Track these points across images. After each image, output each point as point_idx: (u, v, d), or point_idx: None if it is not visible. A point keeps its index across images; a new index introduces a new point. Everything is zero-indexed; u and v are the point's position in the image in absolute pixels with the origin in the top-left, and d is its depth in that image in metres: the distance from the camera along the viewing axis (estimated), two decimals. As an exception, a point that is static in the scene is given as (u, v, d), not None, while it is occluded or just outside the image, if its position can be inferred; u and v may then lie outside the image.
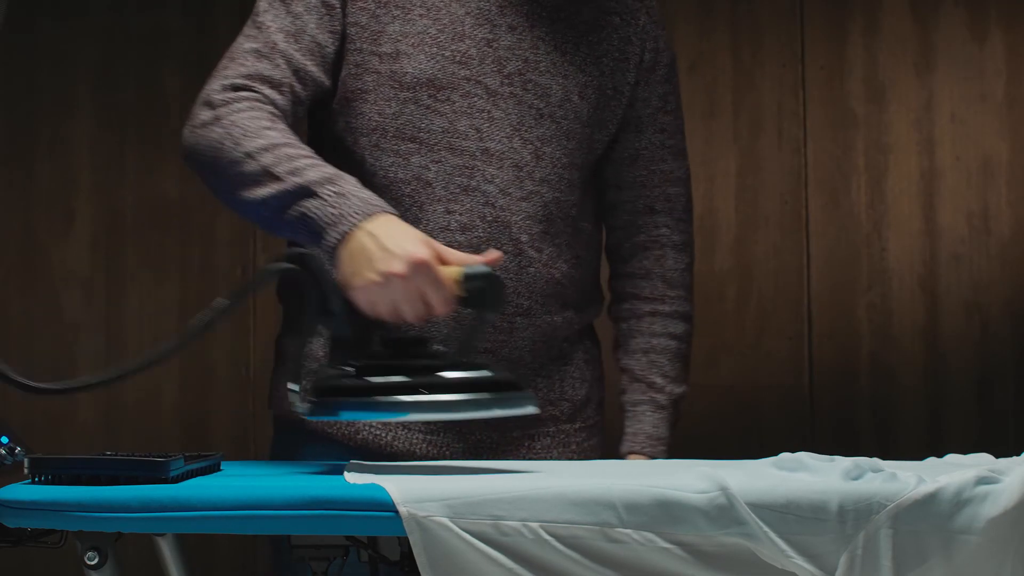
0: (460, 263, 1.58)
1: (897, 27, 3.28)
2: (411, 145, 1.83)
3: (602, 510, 1.31)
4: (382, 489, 1.33)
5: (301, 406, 1.53)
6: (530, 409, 1.55)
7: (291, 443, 1.91)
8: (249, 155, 1.67)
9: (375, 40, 1.83)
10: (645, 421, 1.93)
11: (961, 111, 3.25)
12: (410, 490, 1.33)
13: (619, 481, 1.35)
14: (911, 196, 3.20)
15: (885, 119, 3.27)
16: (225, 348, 3.37)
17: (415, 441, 1.82)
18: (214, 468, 1.57)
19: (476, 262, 1.58)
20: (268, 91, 1.76)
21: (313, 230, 1.63)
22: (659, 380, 1.95)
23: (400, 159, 1.82)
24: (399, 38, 1.83)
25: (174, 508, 1.34)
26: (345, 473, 1.49)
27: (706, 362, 3.11)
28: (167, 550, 1.66)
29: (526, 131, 1.86)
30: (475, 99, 1.84)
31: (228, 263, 3.38)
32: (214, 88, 1.77)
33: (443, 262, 1.58)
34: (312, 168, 1.66)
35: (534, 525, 1.31)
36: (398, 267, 1.55)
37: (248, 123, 1.70)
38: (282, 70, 1.79)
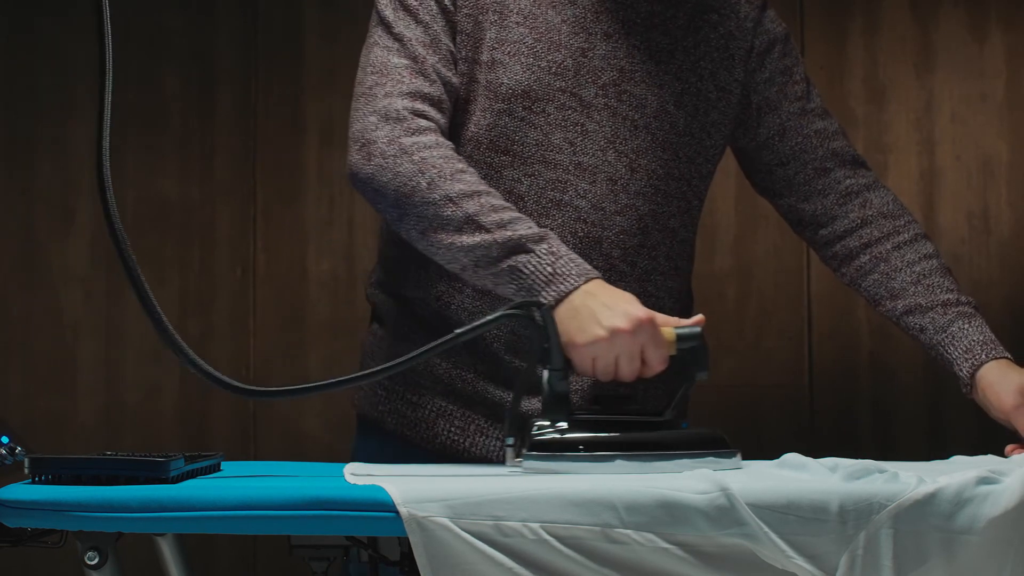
0: (668, 325, 1.63)
1: (897, 27, 3.28)
2: (504, 158, 1.81)
3: (603, 510, 1.31)
4: (382, 490, 1.33)
5: (514, 461, 1.55)
6: (737, 467, 1.56)
7: (371, 443, 1.90)
8: (450, 199, 1.67)
9: (476, 47, 1.81)
10: (968, 334, 1.81)
11: (961, 111, 3.25)
12: (410, 490, 1.33)
13: (620, 482, 1.35)
14: (911, 196, 3.20)
15: (885, 119, 3.27)
16: (225, 348, 3.37)
17: (492, 448, 1.82)
18: (214, 468, 1.57)
19: (686, 324, 1.63)
20: (435, 114, 1.76)
21: (525, 285, 1.65)
22: (949, 296, 1.85)
23: (492, 172, 1.80)
24: (495, 46, 1.80)
25: (174, 508, 1.34)
26: (345, 473, 1.49)
27: (706, 362, 3.10)
28: (167, 550, 1.66)
29: (621, 144, 1.83)
30: (569, 112, 1.81)
31: (228, 263, 3.38)
32: (384, 110, 1.74)
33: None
34: (520, 223, 1.67)
35: (535, 525, 1.31)
36: (624, 323, 1.59)
37: (443, 163, 1.70)
38: (437, 86, 1.78)
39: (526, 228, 1.66)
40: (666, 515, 1.31)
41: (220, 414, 3.35)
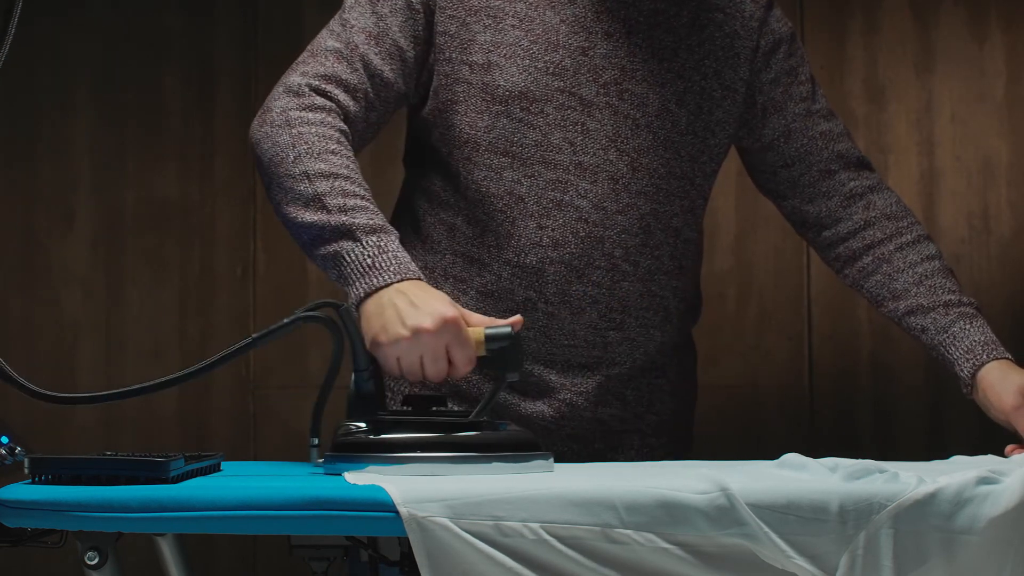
0: (482, 325, 1.60)
1: (897, 27, 3.28)
2: (504, 159, 1.80)
3: (603, 511, 1.31)
4: (382, 490, 1.33)
5: (316, 461, 1.54)
6: (549, 471, 1.53)
7: None
8: (307, 176, 1.68)
9: (465, 49, 1.80)
10: (969, 335, 1.81)
11: (961, 111, 3.25)
12: (410, 491, 1.33)
13: (620, 482, 1.35)
14: (911, 196, 3.20)
15: (885, 119, 3.27)
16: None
17: None
18: (214, 468, 1.57)
19: (499, 324, 1.60)
20: (343, 97, 1.77)
21: (343, 274, 1.65)
22: (951, 297, 1.85)
23: (492, 173, 1.80)
24: (491, 48, 1.80)
25: (174, 508, 1.34)
26: (345, 473, 1.49)
27: (706, 362, 3.10)
28: (167, 550, 1.66)
29: (622, 142, 1.82)
30: (569, 111, 1.81)
31: (228, 263, 3.38)
32: (291, 84, 1.77)
33: (467, 324, 1.60)
34: (362, 212, 1.67)
35: (535, 525, 1.31)
36: (427, 323, 1.57)
37: (316, 140, 1.71)
38: (359, 74, 1.79)
39: (365, 218, 1.66)
40: (666, 515, 1.31)
41: (220, 414, 3.35)
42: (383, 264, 1.63)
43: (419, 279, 1.64)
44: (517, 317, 1.62)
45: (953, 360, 1.80)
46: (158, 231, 3.38)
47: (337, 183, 1.68)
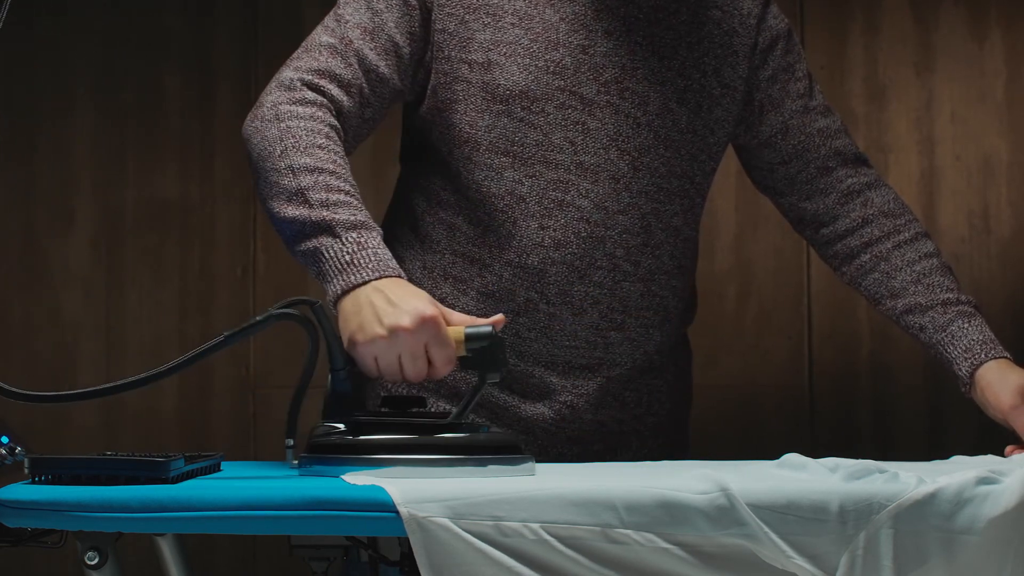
0: (463, 324, 1.57)
1: (897, 27, 3.28)
2: (504, 159, 1.79)
3: (603, 511, 1.31)
4: (382, 490, 1.33)
5: (292, 462, 1.52)
6: (530, 474, 1.49)
7: None
8: (292, 170, 1.66)
9: (464, 47, 1.79)
10: (968, 334, 1.80)
11: (961, 111, 3.24)
12: (410, 491, 1.33)
13: (620, 482, 1.35)
14: (911, 196, 3.20)
15: (885, 119, 3.27)
16: (225, 349, 3.36)
17: None
18: (214, 468, 1.57)
19: (480, 323, 1.57)
20: (336, 92, 1.75)
21: (322, 270, 1.62)
22: (949, 295, 1.84)
23: (493, 173, 1.79)
24: (490, 47, 1.79)
25: (174, 508, 1.34)
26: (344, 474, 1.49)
27: (706, 362, 3.10)
28: (167, 550, 1.66)
29: (623, 141, 1.82)
30: (569, 110, 1.80)
31: (228, 263, 3.38)
32: (284, 79, 1.76)
33: (448, 323, 1.57)
34: (344, 207, 1.64)
35: (535, 526, 1.31)
36: (405, 321, 1.54)
37: (303, 134, 1.69)
38: (353, 70, 1.77)
39: (347, 214, 1.63)
40: (666, 515, 1.31)
41: (220, 414, 3.35)
42: (361, 261, 1.60)
43: (399, 276, 1.61)
44: (499, 316, 1.60)
45: (951, 359, 1.80)
46: (158, 231, 3.38)
47: (321, 177, 1.66)
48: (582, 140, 1.80)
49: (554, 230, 1.79)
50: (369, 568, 1.50)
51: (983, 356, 1.78)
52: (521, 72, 1.78)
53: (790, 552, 1.31)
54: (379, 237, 1.64)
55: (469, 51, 1.79)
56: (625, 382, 1.87)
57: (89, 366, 3.34)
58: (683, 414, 1.99)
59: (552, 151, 1.79)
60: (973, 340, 1.79)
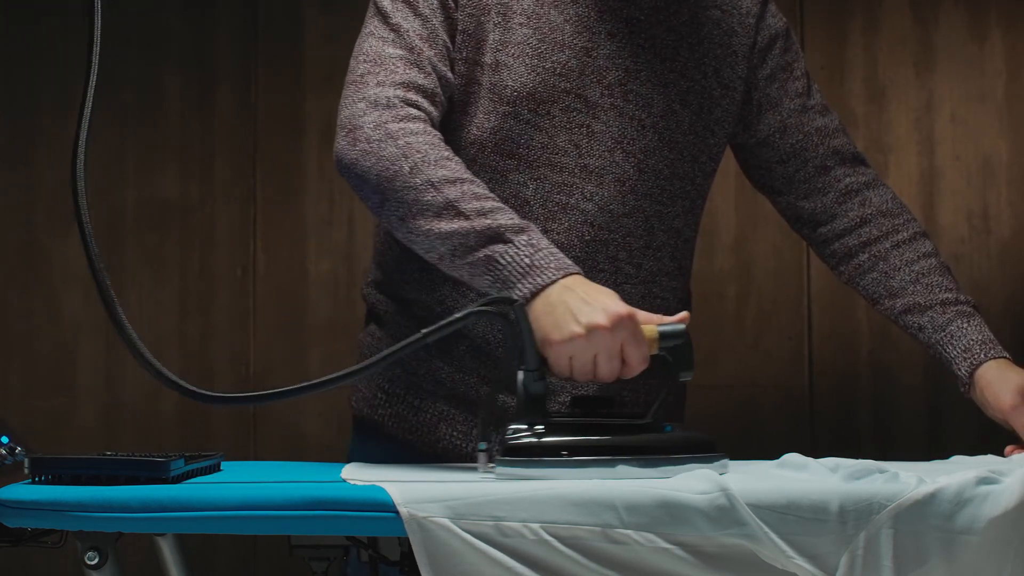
0: (651, 323, 1.55)
1: (897, 27, 3.28)
2: (510, 162, 1.78)
3: (603, 511, 1.31)
4: (382, 490, 1.33)
5: (487, 466, 1.48)
6: (724, 470, 1.48)
7: (370, 446, 1.86)
8: (432, 184, 1.62)
9: (478, 49, 1.78)
10: (967, 333, 1.80)
11: (961, 111, 3.25)
12: (410, 491, 1.33)
13: (620, 482, 1.35)
14: (911, 196, 3.20)
15: (885, 119, 3.27)
16: (225, 348, 3.37)
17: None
18: (214, 468, 1.57)
19: (669, 322, 1.55)
20: (427, 105, 1.71)
21: (501, 277, 1.58)
22: (948, 295, 1.84)
23: (498, 175, 1.77)
24: (499, 48, 1.77)
25: (174, 508, 1.34)
26: (344, 475, 1.49)
27: (706, 362, 3.11)
28: (167, 550, 1.66)
29: (628, 144, 1.81)
30: (575, 113, 1.78)
31: (228, 263, 3.38)
32: (374, 96, 1.70)
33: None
34: (501, 212, 1.61)
35: (535, 526, 1.31)
36: (603, 320, 1.51)
37: (427, 149, 1.65)
38: (432, 79, 1.73)
39: (507, 218, 1.60)
40: (666, 515, 1.31)
41: (220, 414, 3.35)
42: (542, 262, 1.57)
43: (580, 273, 1.59)
44: (685, 313, 1.58)
45: (951, 359, 1.80)
46: (158, 231, 3.38)
47: (465, 187, 1.62)
48: (587, 143, 1.79)
49: (557, 233, 1.78)
50: (369, 568, 1.50)
51: (982, 356, 1.78)
52: (529, 73, 1.78)
53: (790, 552, 1.31)
54: (543, 236, 1.62)
55: (481, 53, 1.78)
56: (623, 382, 1.87)
57: (89, 366, 3.34)
58: (679, 413, 1.99)
59: (557, 154, 1.79)
60: (972, 340, 1.79)
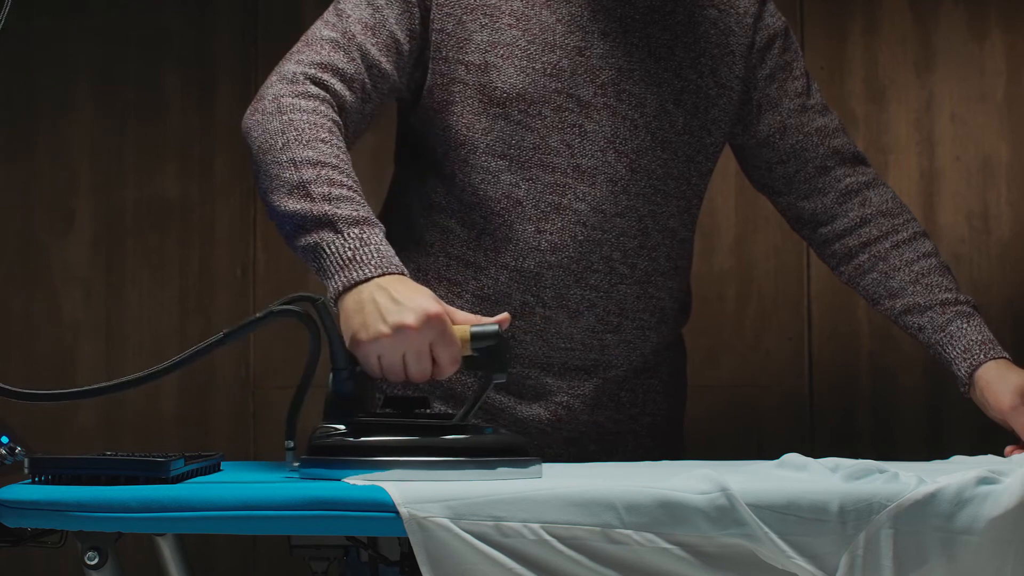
0: (467, 323, 1.53)
1: (897, 27, 3.28)
2: (501, 162, 1.78)
3: (603, 511, 1.31)
4: (382, 490, 1.33)
5: (292, 465, 1.48)
6: (537, 475, 1.46)
7: None
8: (294, 162, 1.62)
9: (461, 48, 1.78)
10: (967, 334, 1.80)
11: (961, 111, 3.24)
12: (410, 491, 1.33)
13: (619, 482, 1.35)
14: (911, 196, 3.20)
15: (885, 119, 3.27)
16: (225, 348, 3.36)
17: None
18: (214, 468, 1.57)
19: (483, 322, 1.53)
20: (339, 87, 1.72)
21: (323, 267, 1.57)
22: (948, 295, 1.84)
23: (490, 176, 1.77)
24: (487, 48, 1.77)
25: (174, 508, 1.34)
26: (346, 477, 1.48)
27: (706, 362, 3.10)
28: (167, 550, 1.66)
29: (621, 143, 1.81)
30: (567, 113, 1.78)
31: (228, 263, 3.38)
32: (286, 72, 1.73)
33: (452, 322, 1.53)
34: (347, 202, 1.60)
35: (535, 526, 1.31)
36: (410, 319, 1.50)
37: (307, 128, 1.65)
38: (356, 64, 1.74)
39: (350, 209, 1.59)
40: (666, 515, 1.31)
41: (220, 414, 3.35)
42: (364, 257, 1.56)
43: (402, 274, 1.58)
44: (504, 315, 1.56)
45: (950, 359, 1.80)
46: (158, 231, 3.38)
47: (324, 171, 1.62)
48: (579, 143, 1.79)
49: (551, 234, 1.78)
50: (369, 568, 1.49)
51: (982, 356, 1.78)
52: (518, 75, 1.78)
53: (790, 552, 1.31)
54: (382, 233, 1.61)
55: (466, 52, 1.78)
56: (621, 383, 1.87)
57: (89, 366, 3.34)
58: (678, 414, 1.99)
59: (549, 154, 1.79)
60: (972, 340, 1.79)
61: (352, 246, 1.57)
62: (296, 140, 1.64)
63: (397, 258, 1.60)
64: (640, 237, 1.83)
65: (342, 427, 1.48)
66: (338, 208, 1.59)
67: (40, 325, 3.37)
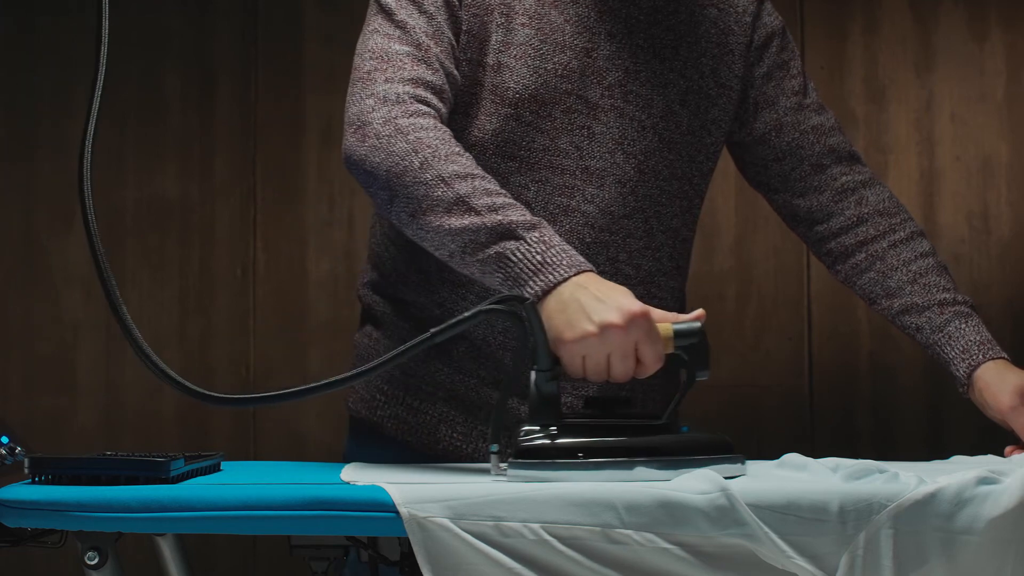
0: (666, 320, 1.52)
1: (897, 27, 3.28)
2: (511, 164, 1.77)
3: (603, 511, 1.31)
4: (383, 490, 1.33)
5: (499, 469, 1.45)
6: (742, 472, 1.47)
7: (368, 447, 1.85)
8: (442, 180, 1.59)
9: (481, 49, 1.76)
10: (965, 334, 1.80)
11: (961, 111, 3.25)
12: (411, 491, 1.33)
13: (620, 482, 1.35)
14: (911, 196, 3.20)
15: (885, 119, 3.27)
16: (225, 348, 3.37)
17: None
18: (214, 468, 1.57)
19: (684, 320, 1.52)
20: (436, 101, 1.69)
21: (512, 274, 1.55)
22: (946, 295, 1.83)
23: (499, 178, 1.72)
24: (501, 48, 1.76)
25: (174, 508, 1.34)
26: (343, 475, 1.49)
27: (706, 362, 3.10)
28: (167, 550, 1.66)
29: (629, 145, 1.80)
30: (575, 115, 1.78)
31: (228, 263, 3.38)
32: (384, 93, 1.67)
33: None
34: (513, 208, 1.58)
35: (535, 526, 1.31)
36: (616, 318, 1.48)
37: (438, 144, 1.62)
38: (440, 76, 1.71)
39: (518, 214, 1.58)
40: (666, 515, 1.31)
41: (220, 414, 3.35)
42: (554, 259, 1.54)
43: (592, 270, 1.56)
44: (701, 311, 1.55)
45: (949, 360, 1.80)
46: (158, 231, 3.38)
47: (476, 183, 1.59)
48: (588, 145, 1.79)
49: (558, 235, 1.78)
50: (369, 568, 1.49)
51: (981, 357, 1.78)
52: (531, 75, 1.77)
53: (790, 552, 1.31)
54: (555, 232, 1.59)
55: (485, 53, 1.77)
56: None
57: (89, 366, 3.34)
58: (675, 413, 1.99)
59: (558, 156, 1.78)
60: (970, 341, 1.79)
61: (538, 249, 1.55)
62: (434, 156, 1.61)
63: (580, 255, 1.58)
64: (645, 238, 1.83)
65: (551, 428, 1.46)
66: (508, 215, 1.57)
67: (40, 325, 3.37)
